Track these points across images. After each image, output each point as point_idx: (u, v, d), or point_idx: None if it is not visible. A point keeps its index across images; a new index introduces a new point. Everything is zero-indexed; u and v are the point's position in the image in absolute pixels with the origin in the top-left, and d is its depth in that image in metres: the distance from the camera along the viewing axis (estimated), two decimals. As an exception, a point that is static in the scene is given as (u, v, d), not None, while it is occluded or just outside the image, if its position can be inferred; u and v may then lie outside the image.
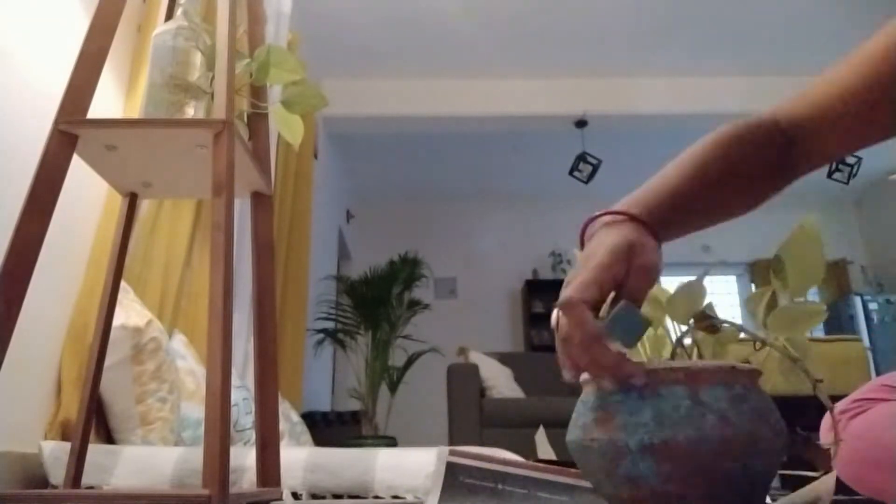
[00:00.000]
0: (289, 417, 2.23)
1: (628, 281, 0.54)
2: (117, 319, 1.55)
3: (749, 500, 0.53)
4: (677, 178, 0.65)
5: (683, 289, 0.62)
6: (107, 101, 1.92)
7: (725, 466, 0.51)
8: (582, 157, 4.68)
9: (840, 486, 0.81)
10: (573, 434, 0.57)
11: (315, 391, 4.28)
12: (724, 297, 6.52)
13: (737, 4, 3.85)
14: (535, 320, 6.28)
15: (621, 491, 0.54)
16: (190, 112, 1.07)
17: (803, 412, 1.06)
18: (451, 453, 0.70)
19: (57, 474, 1.40)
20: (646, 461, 0.51)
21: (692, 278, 0.63)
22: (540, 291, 6.37)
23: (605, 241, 0.56)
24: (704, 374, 0.53)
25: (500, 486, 0.68)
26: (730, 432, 0.51)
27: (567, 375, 0.55)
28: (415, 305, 4.51)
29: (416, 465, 1.35)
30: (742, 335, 0.62)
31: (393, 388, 4.26)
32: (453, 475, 0.68)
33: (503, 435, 3.23)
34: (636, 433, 0.51)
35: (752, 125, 0.70)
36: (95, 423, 1.55)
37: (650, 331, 0.66)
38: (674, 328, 0.64)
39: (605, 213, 0.62)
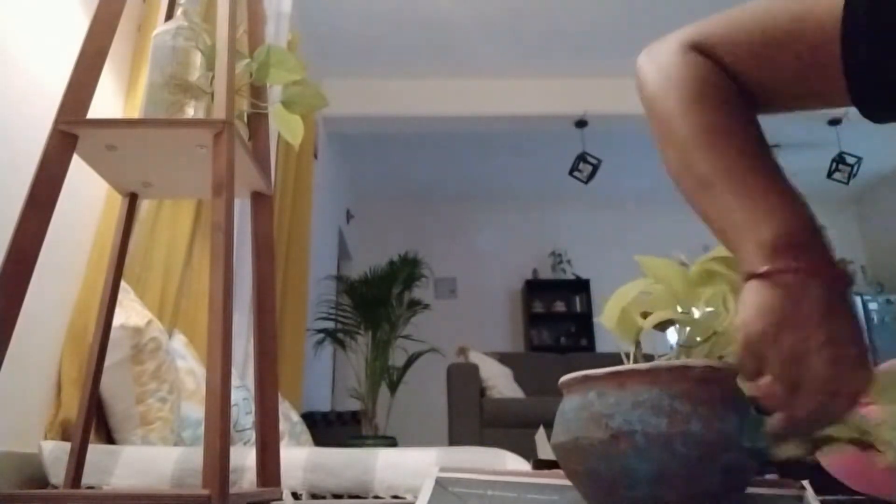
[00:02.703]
0: (289, 417, 2.23)
1: None
2: (117, 319, 1.55)
3: (728, 495, 0.54)
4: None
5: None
6: (107, 101, 1.92)
7: (701, 463, 0.52)
8: (582, 157, 4.68)
9: (839, 486, 0.81)
10: (560, 437, 0.58)
11: (315, 391, 4.28)
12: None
13: (736, 5, 3.86)
14: (535, 320, 6.28)
15: (603, 490, 0.55)
16: (190, 112, 1.07)
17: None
18: (442, 470, 0.71)
19: (57, 474, 1.40)
20: (623, 459, 0.52)
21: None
22: (540, 291, 6.37)
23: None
24: (672, 373, 0.54)
25: (489, 493, 0.68)
26: (704, 431, 0.51)
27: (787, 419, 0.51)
28: (415, 305, 4.51)
29: (416, 465, 1.35)
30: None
31: (393, 388, 4.26)
32: (442, 486, 0.69)
33: (503, 435, 3.23)
34: (620, 431, 0.53)
35: (719, 81, 0.62)
36: (95, 423, 1.55)
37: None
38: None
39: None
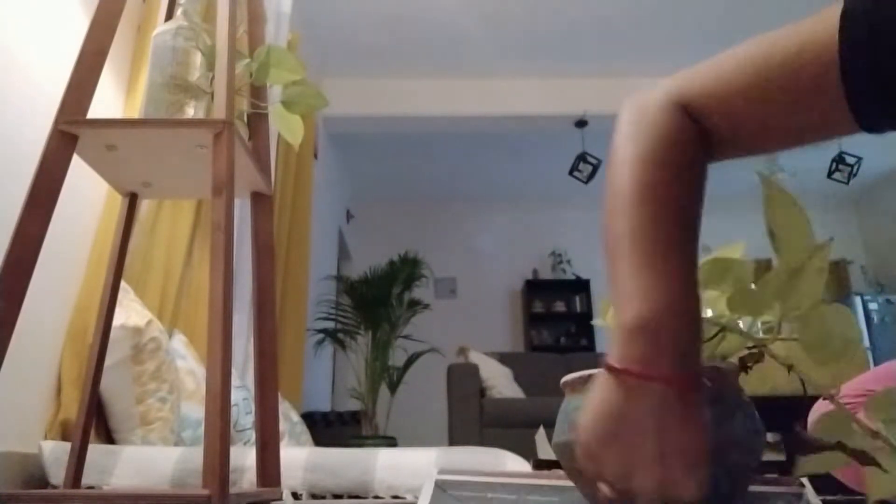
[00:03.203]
0: (289, 417, 2.23)
1: None
2: (117, 319, 1.55)
3: (730, 494, 0.54)
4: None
5: None
6: (107, 101, 1.92)
7: (711, 463, 0.51)
8: (582, 157, 4.68)
9: (839, 487, 0.81)
10: (561, 437, 0.58)
11: (315, 391, 4.28)
12: (724, 297, 6.51)
13: (737, 4, 3.86)
14: (535, 320, 6.27)
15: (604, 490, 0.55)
16: (190, 112, 1.07)
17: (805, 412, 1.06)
18: (441, 472, 0.70)
19: (57, 474, 1.40)
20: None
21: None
22: (540, 291, 6.37)
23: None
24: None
25: (488, 495, 0.68)
26: (714, 431, 0.51)
27: None
28: (415, 305, 4.51)
29: (415, 465, 1.35)
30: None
31: (393, 388, 4.26)
32: (441, 489, 0.69)
33: (503, 435, 3.23)
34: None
35: (680, 142, 0.60)
36: (95, 423, 1.55)
37: None
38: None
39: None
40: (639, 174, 0.57)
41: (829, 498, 0.75)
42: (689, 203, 0.57)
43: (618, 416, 0.49)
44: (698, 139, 0.60)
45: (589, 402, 0.51)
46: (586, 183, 4.73)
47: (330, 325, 4.36)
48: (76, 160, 1.00)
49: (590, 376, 0.57)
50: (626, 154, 0.60)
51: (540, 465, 0.70)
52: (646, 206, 0.56)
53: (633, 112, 0.63)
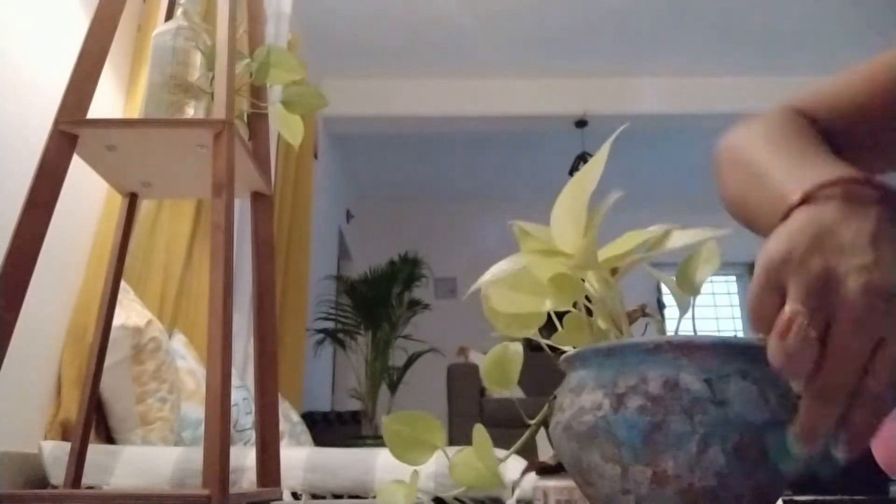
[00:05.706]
0: (289, 417, 2.23)
1: None
2: (117, 319, 1.55)
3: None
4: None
5: None
6: (107, 101, 1.92)
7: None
8: (582, 157, 4.67)
9: (839, 487, 0.81)
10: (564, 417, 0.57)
11: (315, 391, 4.28)
12: (724, 297, 6.51)
13: (737, 4, 3.86)
14: (535, 320, 6.27)
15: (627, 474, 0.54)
16: (190, 112, 1.07)
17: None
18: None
19: (57, 474, 1.40)
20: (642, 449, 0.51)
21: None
22: (540, 291, 6.37)
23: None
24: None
25: None
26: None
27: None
28: (415, 305, 4.51)
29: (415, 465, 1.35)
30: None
31: (393, 388, 4.26)
32: None
33: (503, 435, 3.22)
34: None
35: (798, 118, 0.64)
36: (95, 423, 1.55)
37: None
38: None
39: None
40: (769, 135, 0.60)
41: (829, 498, 0.75)
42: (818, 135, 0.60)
43: (822, 225, 0.40)
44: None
45: (773, 234, 0.42)
46: (586, 183, 4.73)
47: (330, 325, 4.36)
48: (76, 160, 1.00)
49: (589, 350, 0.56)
50: (743, 132, 0.63)
51: (544, 470, 0.68)
52: (787, 142, 0.57)
53: (747, 120, 0.67)
